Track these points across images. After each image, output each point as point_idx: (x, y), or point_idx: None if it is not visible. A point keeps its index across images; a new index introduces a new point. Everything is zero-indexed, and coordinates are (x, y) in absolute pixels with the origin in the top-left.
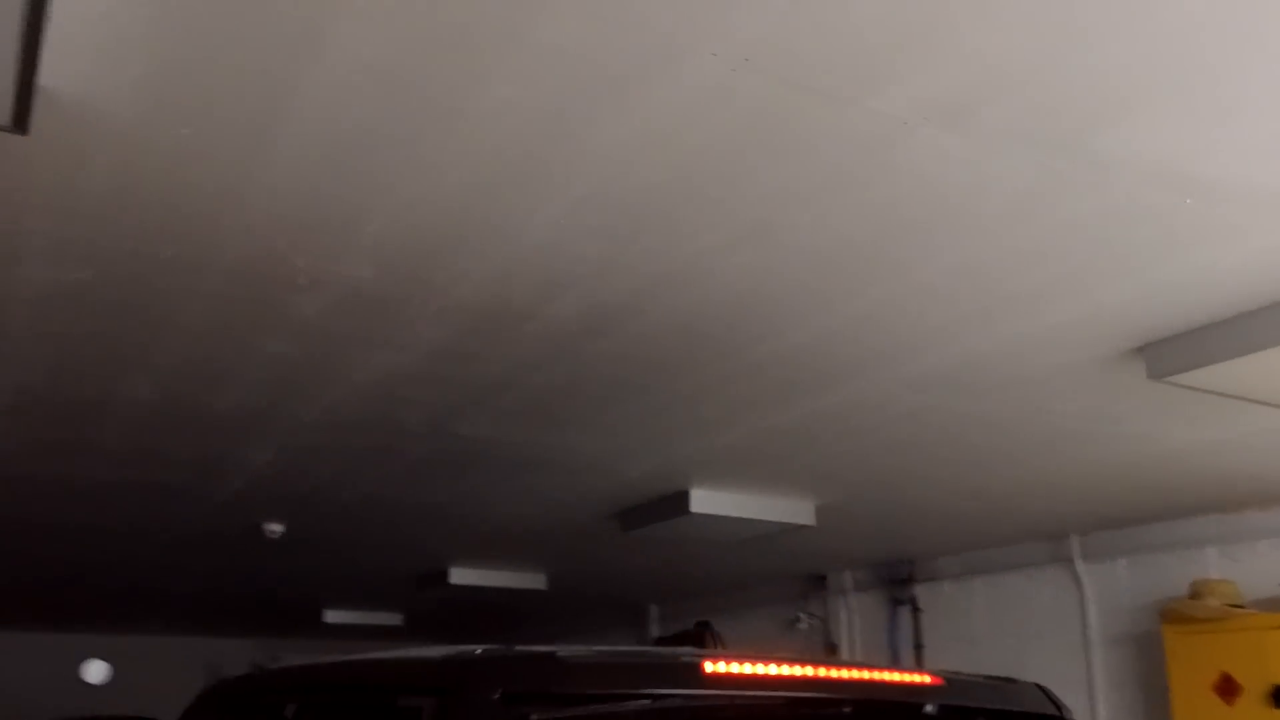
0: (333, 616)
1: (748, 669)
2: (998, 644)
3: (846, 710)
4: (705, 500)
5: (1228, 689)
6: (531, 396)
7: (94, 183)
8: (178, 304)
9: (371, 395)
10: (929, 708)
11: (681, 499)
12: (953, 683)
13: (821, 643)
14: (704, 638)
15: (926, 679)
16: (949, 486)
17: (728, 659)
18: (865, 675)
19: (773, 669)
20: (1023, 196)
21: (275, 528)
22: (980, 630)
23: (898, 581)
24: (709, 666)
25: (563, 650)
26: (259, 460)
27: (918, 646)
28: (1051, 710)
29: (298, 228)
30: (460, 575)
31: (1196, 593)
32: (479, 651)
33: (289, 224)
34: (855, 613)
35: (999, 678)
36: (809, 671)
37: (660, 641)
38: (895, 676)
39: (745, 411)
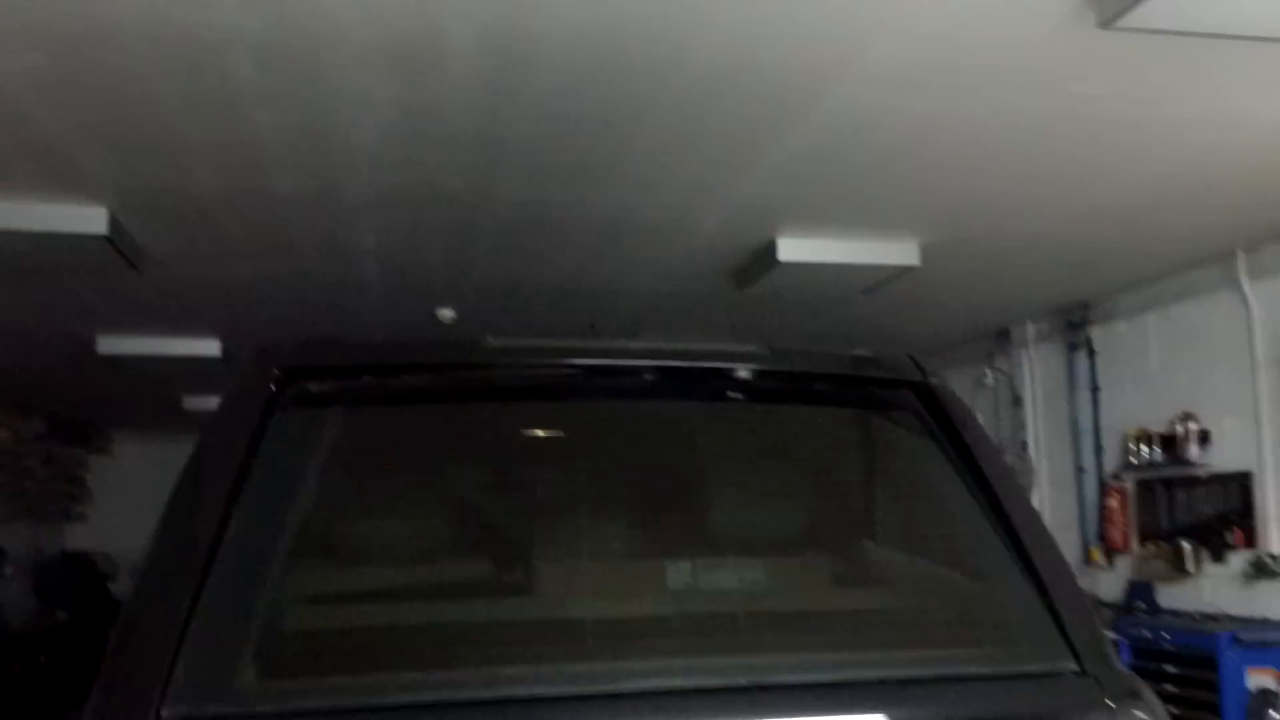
0: None
1: (534, 342)
2: (1171, 379)
3: (647, 378)
4: (794, 249)
5: None
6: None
7: None
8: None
9: (385, 163)
10: (742, 372)
11: (770, 250)
12: (776, 351)
13: (1010, 398)
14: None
15: (740, 348)
16: (1058, 209)
17: (518, 337)
18: (667, 346)
19: (558, 342)
20: None
21: (447, 313)
22: (1154, 367)
23: (1074, 326)
24: (491, 340)
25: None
26: (370, 243)
27: (1094, 390)
28: (915, 375)
29: None
30: None
31: None
32: None
33: None
34: (1036, 363)
35: (857, 352)
36: (601, 345)
37: None
38: (700, 346)
39: (745, 143)
